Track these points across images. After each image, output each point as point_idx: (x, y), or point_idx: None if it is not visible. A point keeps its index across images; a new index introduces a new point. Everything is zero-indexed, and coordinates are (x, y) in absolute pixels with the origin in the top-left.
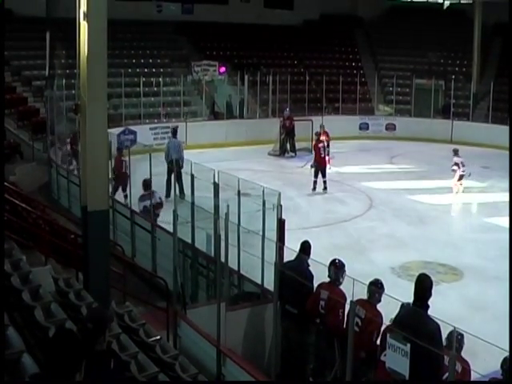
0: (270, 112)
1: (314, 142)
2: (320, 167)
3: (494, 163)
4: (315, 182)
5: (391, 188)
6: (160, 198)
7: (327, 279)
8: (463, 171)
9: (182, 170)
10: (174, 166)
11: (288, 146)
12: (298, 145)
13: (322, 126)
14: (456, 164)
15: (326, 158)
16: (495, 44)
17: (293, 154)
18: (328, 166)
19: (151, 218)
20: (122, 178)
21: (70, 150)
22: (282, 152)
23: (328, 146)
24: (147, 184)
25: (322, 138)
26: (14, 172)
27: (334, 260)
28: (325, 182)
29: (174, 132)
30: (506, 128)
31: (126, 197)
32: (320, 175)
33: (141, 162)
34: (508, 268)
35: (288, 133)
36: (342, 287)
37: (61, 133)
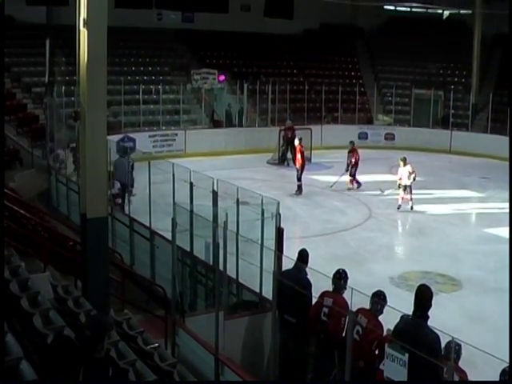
0: (269, 121)
1: (298, 147)
2: (300, 170)
3: (493, 174)
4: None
5: (390, 198)
6: (119, 189)
7: (325, 288)
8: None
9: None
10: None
11: (290, 155)
12: None
13: (351, 143)
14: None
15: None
16: (495, 55)
17: (292, 165)
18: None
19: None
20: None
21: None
22: (281, 161)
23: (356, 164)
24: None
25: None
26: (13, 179)
27: (339, 270)
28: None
29: (124, 151)
30: (505, 139)
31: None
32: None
33: (140, 169)
34: (507, 279)
35: (289, 143)
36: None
37: (60, 140)
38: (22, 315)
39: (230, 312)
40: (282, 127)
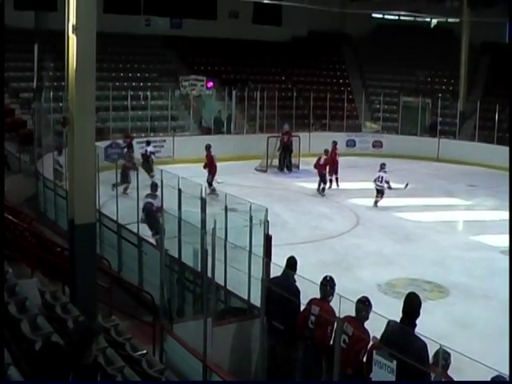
0: (257, 128)
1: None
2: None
3: (481, 181)
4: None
5: (378, 205)
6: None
7: (314, 295)
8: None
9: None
10: None
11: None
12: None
13: (334, 142)
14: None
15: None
16: (482, 63)
17: (286, 172)
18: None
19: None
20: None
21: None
22: (280, 168)
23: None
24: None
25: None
26: None
27: (326, 277)
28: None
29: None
30: (493, 146)
31: (213, 190)
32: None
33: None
34: (494, 286)
35: (284, 148)
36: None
37: (48, 145)
38: (9, 321)
39: (218, 319)
40: (273, 134)
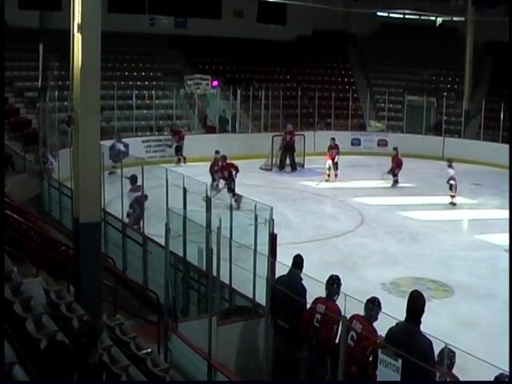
0: (262, 127)
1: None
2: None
3: (486, 180)
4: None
5: (382, 204)
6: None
7: (319, 294)
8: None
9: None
10: None
11: (288, 161)
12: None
13: (332, 139)
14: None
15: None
16: (487, 62)
17: (288, 170)
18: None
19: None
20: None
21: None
22: (281, 167)
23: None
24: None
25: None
26: (5, 183)
27: (332, 276)
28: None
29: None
30: (498, 145)
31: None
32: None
33: None
34: (498, 285)
35: (287, 147)
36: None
37: (53, 144)
38: (14, 320)
39: (222, 318)
40: (278, 133)
